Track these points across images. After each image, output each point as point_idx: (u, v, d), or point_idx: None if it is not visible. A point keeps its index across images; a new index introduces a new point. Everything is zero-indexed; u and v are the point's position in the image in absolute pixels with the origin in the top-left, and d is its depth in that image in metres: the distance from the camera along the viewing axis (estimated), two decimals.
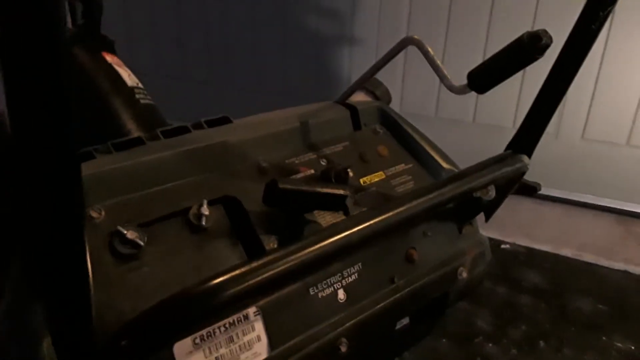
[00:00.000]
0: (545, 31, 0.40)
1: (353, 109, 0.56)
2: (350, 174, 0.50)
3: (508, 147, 0.48)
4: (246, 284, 0.29)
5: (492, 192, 0.51)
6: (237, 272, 0.29)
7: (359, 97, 0.59)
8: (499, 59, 0.42)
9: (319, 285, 0.44)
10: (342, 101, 0.57)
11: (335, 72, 1.50)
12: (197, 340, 0.37)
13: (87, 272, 0.26)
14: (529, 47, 0.40)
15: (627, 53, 1.20)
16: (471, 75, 0.44)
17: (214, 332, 0.38)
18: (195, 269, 0.39)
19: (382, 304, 0.47)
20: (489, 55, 0.44)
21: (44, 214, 0.23)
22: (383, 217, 0.35)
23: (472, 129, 1.36)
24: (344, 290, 0.46)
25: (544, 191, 1.30)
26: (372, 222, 0.35)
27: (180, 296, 0.28)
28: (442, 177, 0.54)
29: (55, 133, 0.21)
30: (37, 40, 0.19)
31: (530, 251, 1.17)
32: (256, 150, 0.48)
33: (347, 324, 0.44)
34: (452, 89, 0.45)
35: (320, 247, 0.32)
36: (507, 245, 1.19)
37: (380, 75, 0.63)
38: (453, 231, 0.55)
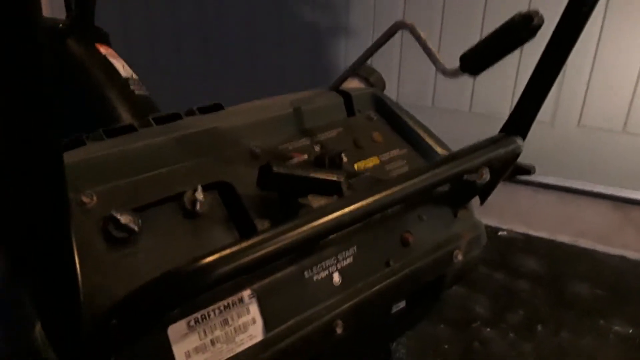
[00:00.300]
0: (536, 12, 0.40)
1: (346, 95, 0.56)
2: (344, 159, 0.51)
3: (502, 129, 0.48)
4: (237, 262, 0.29)
5: (486, 175, 0.51)
6: (228, 251, 0.29)
7: (353, 84, 0.59)
8: (490, 40, 0.42)
9: (313, 269, 0.44)
10: (335, 88, 0.57)
11: (331, 62, 1.50)
12: (192, 323, 0.37)
13: (73, 254, 0.26)
14: (520, 27, 0.40)
15: (622, 39, 1.20)
16: (463, 58, 0.44)
17: (209, 315, 0.38)
18: (189, 254, 0.39)
19: (377, 287, 0.47)
20: None
21: (25, 197, 0.23)
22: (376, 197, 0.35)
23: (468, 118, 1.36)
24: (339, 274, 0.46)
25: (541, 179, 1.31)
26: (364, 202, 0.35)
27: (171, 274, 0.28)
28: None
29: (35, 118, 0.21)
30: (10, 24, 0.19)
31: (528, 238, 1.18)
32: (249, 136, 0.48)
33: (343, 307, 0.45)
34: (444, 72, 0.45)
35: (313, 226, 0.32)
36: (505, 233, 1.20)
37: (376, 66, 0.63)
38: (448, 215, 0.55)
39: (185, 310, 0.37)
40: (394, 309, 0.55)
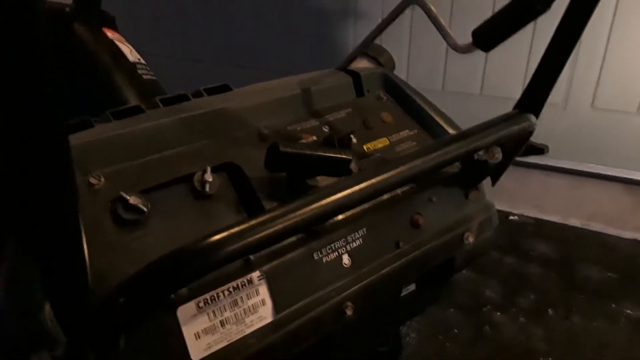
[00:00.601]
0: None
1: (355, 75, 0.55)
2: (354, 140, 0.50)
3: (515, 107, 0.47)
4: (245, 240, 0.28)
5: (498, 155, 0.50)
6: (236, 229, 0.29)
7: (362, 64, 0.58)
8: (503, 14, 0.41)
9: (322, 250, 0.44)
10: (343, 68, 0.56)
11: (339, 42, 1.48)
12: (201, 304, 0.37)
13: (80, 235, 0.26)
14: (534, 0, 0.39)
15: (637, 19, 1.17)
16: (476, 33, 0.43)
17: (218, 296, 0.38)
18: (198, 235, 0.39)
19: (387, 269, 0.47)
20: None
21: (32, 180, 0.23)
22: (385, 175, 0.35)
23: (480, 101, 1.34)
24: (349, 255, 0.45)
25: (552, 162, 1.29)
26: (374, 180, 0.34)
27: (179, 252, 0.27)
28: None
29: (39, 100, 0.21)
30: (13, 6, 0.18)
31: (539, 222, 1.17)
32: (257, 117, 0.47)
33: (353, 288, 0.44)
34: (456, 48, 0.44)
35: (321, 205, 0.32)
36: (516, 217, 1.18)
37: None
38: (459, 196, 0.54)
39: (194, 292, 0.37)
40: (404, 292, 0.55)
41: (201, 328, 0.37)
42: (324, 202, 0.32)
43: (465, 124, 0.58)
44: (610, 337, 0.85)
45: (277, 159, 0.40)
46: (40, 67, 0.20)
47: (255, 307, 0.40)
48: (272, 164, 0.41)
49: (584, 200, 1.23)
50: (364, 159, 0.50)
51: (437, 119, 0.56)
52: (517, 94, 0.46)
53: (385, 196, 0.49)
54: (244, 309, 0.39)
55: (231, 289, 0.39)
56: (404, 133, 0.55)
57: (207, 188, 0.41)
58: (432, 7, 0.44)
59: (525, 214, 1.20)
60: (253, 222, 0.29)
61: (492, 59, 1.26)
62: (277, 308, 0.41)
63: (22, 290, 0.34)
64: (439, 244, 0.51)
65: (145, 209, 0.37)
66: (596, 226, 1.15)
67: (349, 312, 0.44)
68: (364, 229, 0.47)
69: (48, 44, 0.20)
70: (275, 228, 0.30)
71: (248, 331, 0.39)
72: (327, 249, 0.44)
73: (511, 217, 1.19)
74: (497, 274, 1.00)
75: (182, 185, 0.41)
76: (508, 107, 0.48)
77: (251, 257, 0.40)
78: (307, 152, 0.40)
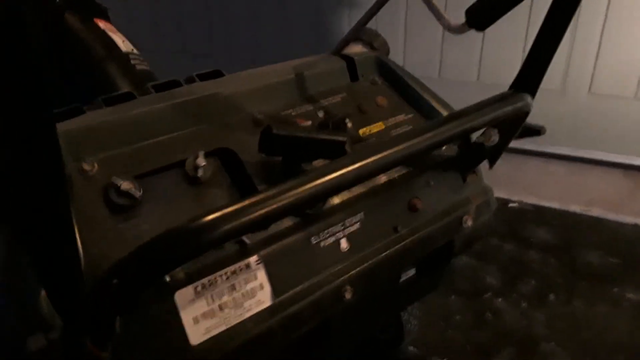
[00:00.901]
0: None
1: (349, 60, 0.55)
2: (349, 124, 0.50)
3: (511, 87, 0.46)
4: (239, 220, 0.28)
5: (495, 137, 0.49)
6: (229, 209, 0.28)
7: (356, 49, 0.58)
8: None
9: (320, 235, 0.44)
10: (337, 52, 0.56)
11: (334, 27, 1.47)
12: (199, 289, 0.37)
13: (71, 219, 0.26)
14: None
15: (634, 3, 1.16)
16: (470, 12, 0.43)
17: (216, 280, 0.38)
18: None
19: (385, 253, 0.47)
20: None
21: (20, 167, 0.23)
22: (380, 155, 0.34)
23: (477, 88, 1.34)
24: (347, 240, 0.45)
25: (550, 149, 1.29)
26: (368, 160, 0.34)
27: (171, 233, 0.27)
28: None
29: (25, 86, 0.21)
30: None
31: (538, 209, 1.16)
32: (251, 102, 0.47)
33: (351, 273, 0.44)
34: (450, 28, 0.43)
35: (315, 184, 0.31)
36: (515, 204, 1.18)
37: None
38: (457, 180, 0.54)
39: (191, 276, 0.37)
40: (404, 277, 0.55)
41: (199, 312, 0.37)
42: (318, 182, 0.32)
43: None
44: (612, 321, 0.85)
45: (270, 142, 0.40)
46: (27, 51, 0.20)
47: (253, 292, 0.40)
48: (265, 147, 0.40)
49: (583, 186, 1.23)
50: (359, 143, 0.50)
51: (434, 103, 0.56)
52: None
53: (383, 180, 0.49)
54: (242, 293, 0.39)
55: (229, 274, 0.39)
56: (400, 117, 0.54)
57: (200, 173, 0.40)
58: None
59: (524, 201, 1.19)
60: (246, 202, 0.29)
61: (488, 45, 1.26)
62: (275, 292, 0.40)
63: (18, 278, 0.34)
64: (438, 227, 0.51)
65: (137, 195, 0.37)
66: (596, 212, 1.15)
67: (347, 295, 0.44)
68: (362, 213, 0.46)
69: (38, 33, 0.20)
70: (269, 208, 0.29)
71: (247, 315, 0.39)
72: (325, 233, 0.44)
73: (510, 205, 1.19)
74: (498, 260, 1.00)
75: (175, 171, 0.41)
76: None
77: (248, 241, 0.40)
78: (301, 134, 0.40)
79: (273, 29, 1.57)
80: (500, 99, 0.43)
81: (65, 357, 0.28)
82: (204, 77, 0.48)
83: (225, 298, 0.38)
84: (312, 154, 0.42)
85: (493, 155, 0.52)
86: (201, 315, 0.37)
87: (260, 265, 0.40)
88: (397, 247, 0.47)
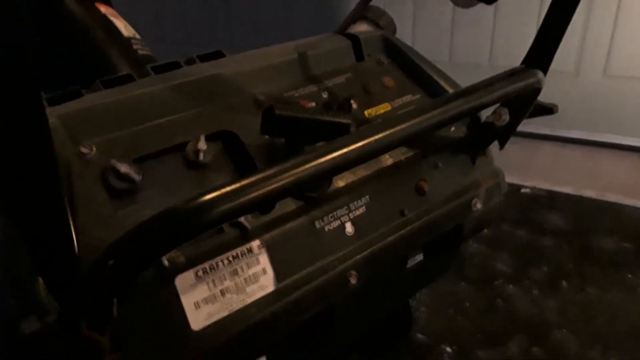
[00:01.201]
0: None
1: (355, 39, 0.53)
2: (354, 105, 0.48)
3: (522, 63, 0.45)
4: (238, 200, 0.27)
5: (505, 116, 0.48)
6: (229, 188, 0.27)
7: (361, 28, 0.56)
8: None
9: (324, 219, 0.43)
10: (341, 31, 0.54)
11: (338, 7, 1.44)
12: (200, 273, 0.36)
13: (63, 199, 0.25)
14: None
15: None
16: None
17: (217, 265, 0.37)
18: None
19: (392, 237, 0.45)
20: None
21: (9, 150, 0.22)
22: (385, 133, 0.33)
23: (488, 72, 1.31)
24: (352, 224, 0.44)
25: (564, 133, 1.26)
26: (373, 138, 0.33)
27: (168, 212, 0.26)
28: None
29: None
30: None
31: (552, 194, 1.14)
32: (253, 83, 0.46)
33: (357, 257, 0.43)
34: (457, 2, 0.42)
35: (318, 163, 0.30)
36: (527, 190, 1.16)
37: None
38: (466, 162, 0.52)
39: (192, 261, 0.36)
40: (412, 262, 0.53)
41: (201, 297, 0.36)
42: (319, 161, 0.30)
43: None
44: (626, 308, 0.83)
45: (272, 122, 0.38)
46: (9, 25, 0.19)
47: (256, 277, 0.39)
48: (267, 128, 0.39)
49: (598, 171, 1.20)
50: (364, 125, 0.48)
51: (443, 83, 0.54)
52: None
53: (389, 162, 0.47)
54: (245, 278, 0.38)
55: (230, 258, 0.38)
56: (407, 98, 0.53)
57: (201, 157, 0.39)
58: None
59: (537, 187, 1.17)
60: (245, 181, 0.28)
61: (500, 27, 1.23)
62: (278, 277, 0.40)
63: (16, 264, 0.33)
64: (446, 211, 0.49)
65: (137, 178, 0.36)
66: (611, 197, 1.12)
67: (353, 280, 0.43)
68: (367, 197, 0.45)
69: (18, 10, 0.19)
70: (269, 188, 0.28)
71: (249, 300, 0.38)
72: (329, 217, 0.43)
73: (523, 190, 1.16)
74: (509, 247, 0.98)
75: (176, 154, 0.40)
76: None
77: (249, 226, 0.39)
78: (304, 115, 0.39)
79: (276, 13, 1.55)
80: (511, 74, 0.42)
81: (61, 341, 0.28)
82: (204, 58, 0.47)
83: (227, 283, 0.37)
84: (315, 135, 0.41)
85: (504, 135, 0.51)
86: (202, 300, 0.36)
87: (263, 250, 0.39)
88: (403, 231, 0.46)
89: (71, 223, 0.27)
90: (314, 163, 0.30)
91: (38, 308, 0.31)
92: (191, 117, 0.42)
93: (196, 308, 0.36)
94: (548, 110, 0.48)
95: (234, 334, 0.37)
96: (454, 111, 0.36)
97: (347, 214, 0.44)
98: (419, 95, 0.53)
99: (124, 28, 0.67)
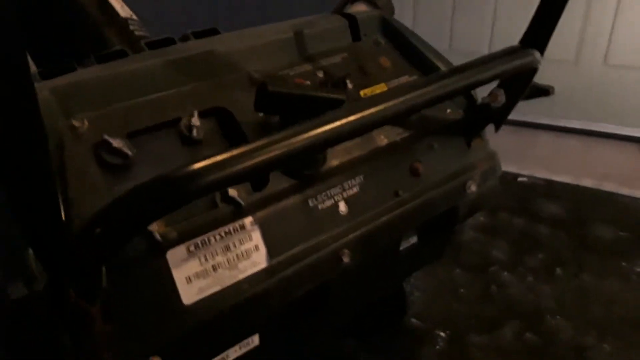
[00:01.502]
0: None
1: (351, 19, 0.53)
2: (349, 85, 0.48)
3: (519, 43, 0.44)
4: (227, 169, 0.27)
5: (501, 98, 0.48)
6: (218, 157, 0.27)
7: (359, 8, 0.55)
8: None
9: (318, 197, 0.43)
10: (338, 11, 0.54)
11: None
12: (192, 248, 0.36)
13: (50, 167, 0.25)
14: None
15: None
16: None
17: (209, 240, 0.37)
18: None
19: (385, 217, 0.45)
20: None
21: None
22: (379, 107, 0.33)
23: None
24: (345, 203, 0.44)
25: (563, 122, 1.26)
26: (366, 112, 0.32)
27: (155, 180, 0.26)
28: None
29: None
30: None
31: (549, 183, 1.14)
32: (247, 60, 0.45)
33: (350, 236, 0.43)
34: None
35: (309, 135, 0.30)
36: (525, 178, 1.16)
37: None
38: (461, 144, 0.52)
39: (184, 235, 0.36)
40: (407, 244, 0.53)
41: (192, 272, 0.36)
42: (311, 133, 0.30)
43: None
44: (621, 294, 0.84)
45: (266, 99, 0.38)
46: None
47: (248, 253, 0.39)
48: (261, 105, 0.39)
49: (596, 160, 1.20)
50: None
51: (438, 63, 0.54)
52: None
53: (384, 142, 0.47)
54: (237, 254, 0.38)
55: (223, 234, 0.38)
56: (404, 79, 0.52)
57: (194, 133, 0.39)
58: None
59: (535, 175, 1.17)
60: (235, 151, 0.28)
61: (500, 14, 1.22)
62: (271, 254, 0.40)
63: (7, 236, 0.33)
64: (440, 192, 0.49)
65: (129, 153, 0.36)
66: (609, 186, 1.12)
67: (345, 259, 0.43)
68: (361, 176, 0.45)
69: None
70: (258, 159, 0.28)
71: (241, 276, 0.38)
72: (323, 195, 0.43)
73: (520, 179, 1.16)
74: (505, 234, 0.98)
75: (169, 130, 0.39)
76: None
77: (242, 202, 0.39)
78: (298, 91, 0.39)
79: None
80: (507, 53, 0.41)
81: (49, 309, 0.28)
82: (199, 34, 0.47)
83: (219, 258, 0.37)
84: (309, 112, 0.40)
85: (499, 117, 0.50)
86: (194, 275, 0.36)
87: (256, 227, 0.39)
88: (397, 211, 0.46)
89: (59, 191, 0.27)
90: (305, 135, 0.30)
91: (27, 276, 0.31)
92: (185, 93, 0.41)
93: (187, 282, 0.36)
94: (544, 91, 0.47)
95: (225, 309, 0.37)
96: (449, 87, 0.36)
97: (341, 193, 0.44)
98: (415, 77, 0.53)
99: (121, 8, 0.66)
